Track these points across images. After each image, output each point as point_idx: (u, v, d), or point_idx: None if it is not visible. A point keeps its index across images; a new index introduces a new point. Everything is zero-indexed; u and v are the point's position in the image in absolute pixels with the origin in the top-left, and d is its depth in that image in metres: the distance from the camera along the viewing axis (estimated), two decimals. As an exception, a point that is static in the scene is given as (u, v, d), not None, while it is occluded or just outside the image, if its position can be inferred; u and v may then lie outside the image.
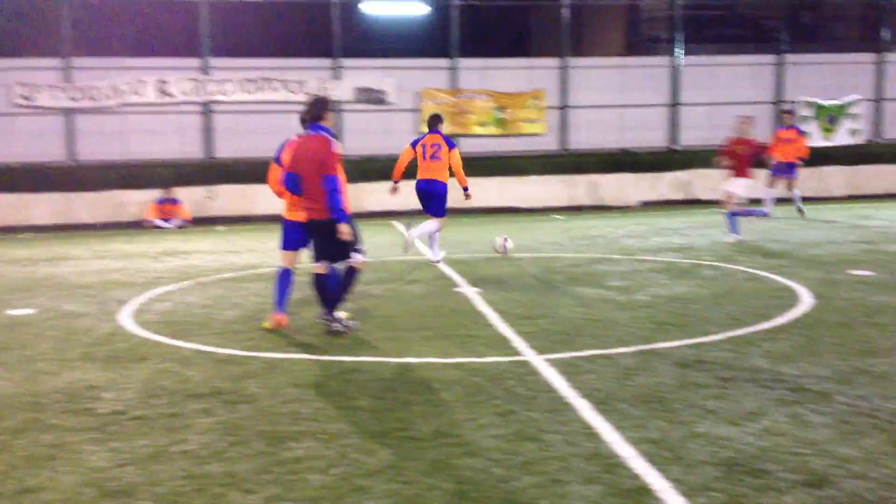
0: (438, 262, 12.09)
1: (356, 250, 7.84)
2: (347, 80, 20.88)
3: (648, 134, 22.06)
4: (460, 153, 12.13)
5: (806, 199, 21.34)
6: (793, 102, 22.15)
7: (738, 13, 28.00)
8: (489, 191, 20.91)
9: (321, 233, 7.70)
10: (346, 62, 21.17)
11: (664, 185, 21.77)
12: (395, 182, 12.17)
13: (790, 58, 22.77)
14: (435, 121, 12.17)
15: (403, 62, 21.59)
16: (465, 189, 12.07)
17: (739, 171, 13.99)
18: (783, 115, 18.34)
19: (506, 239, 12.79)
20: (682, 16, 22.59)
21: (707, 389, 5.86)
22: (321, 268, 7.81)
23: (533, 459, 4.69)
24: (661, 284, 10.02)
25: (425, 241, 12.76)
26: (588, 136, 21.94)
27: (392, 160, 12.51)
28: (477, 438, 5.02)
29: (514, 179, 21.05)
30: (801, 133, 17.72)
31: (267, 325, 8.07)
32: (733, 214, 13.97)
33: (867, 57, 23.44)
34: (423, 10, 23.05)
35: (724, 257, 12.03)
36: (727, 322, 7.92)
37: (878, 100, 23.13)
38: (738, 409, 5.43)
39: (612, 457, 4.70)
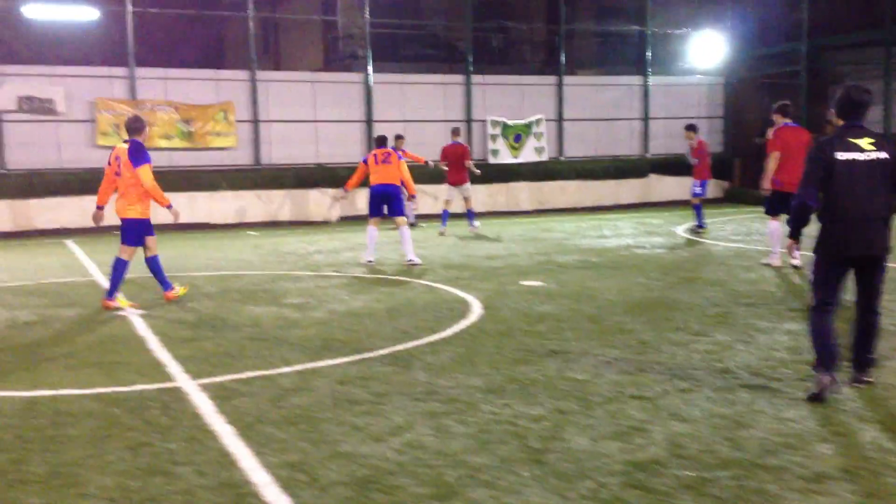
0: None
1: None
2: (9, 87, 18.97)
3: (344, 149, 22.01)
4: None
5: (497, 214, 22.48)
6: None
7: (431, 33, 28.87)
8: (178, 207, 19.82)
9: None
10: (6, 69, 19.29)
11: (363, 199, 21.78)
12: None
13: (477, 78, 23.72)
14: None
15: (74, 70, 19.92)
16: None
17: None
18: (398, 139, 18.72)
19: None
20: (375, 34, 22.86)
21: (360, 406, 5.71)
22: None
23: (155, 496, 4.27)
24: (340, 300, 9.88)
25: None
26: (283, 150, 21.51)
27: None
28: (97, 477, 4.53)
29: (204, 195, 20.17)
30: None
31: None
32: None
33: (549, 80, 24.97)
34: (93, 14, 21.45)
35: (408, 271, 12.13)
36: (396, 336, 7.87)
37: (559, 120, 24.67)
38: (386, 424, 5.32)
39: (243, 485, 4.39)
